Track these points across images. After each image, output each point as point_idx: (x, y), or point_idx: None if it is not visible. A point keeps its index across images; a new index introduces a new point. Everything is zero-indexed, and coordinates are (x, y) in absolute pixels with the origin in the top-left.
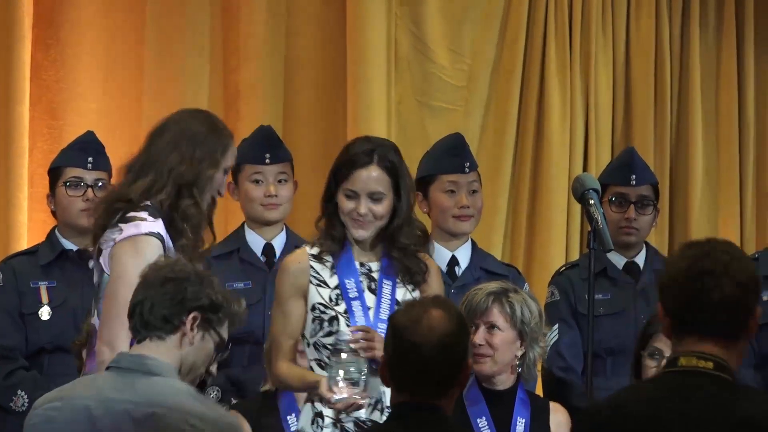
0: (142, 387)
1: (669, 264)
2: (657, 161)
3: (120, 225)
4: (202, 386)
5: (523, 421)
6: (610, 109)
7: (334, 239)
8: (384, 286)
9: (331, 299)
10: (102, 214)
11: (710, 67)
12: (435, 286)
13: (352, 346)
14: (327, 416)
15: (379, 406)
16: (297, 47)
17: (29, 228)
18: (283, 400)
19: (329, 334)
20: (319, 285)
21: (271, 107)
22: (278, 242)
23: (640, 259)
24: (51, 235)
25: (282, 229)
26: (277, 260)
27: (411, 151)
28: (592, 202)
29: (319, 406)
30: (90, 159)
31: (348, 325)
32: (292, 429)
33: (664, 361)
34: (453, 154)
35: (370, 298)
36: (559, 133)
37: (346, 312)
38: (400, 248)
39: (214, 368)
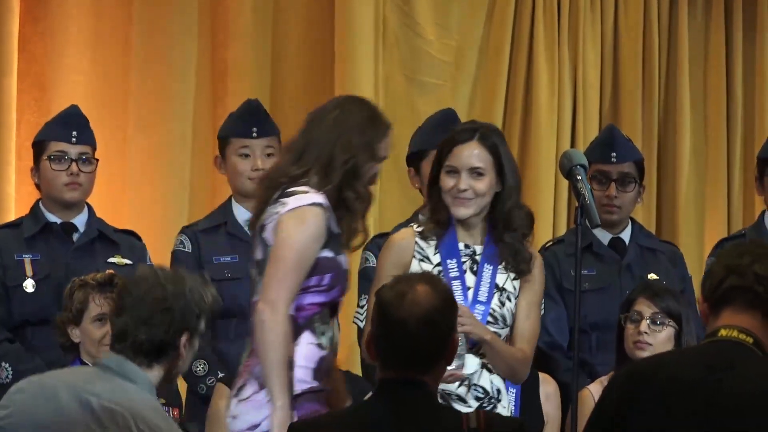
0: (112, 386)
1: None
2: (645, 138)
3: (282, 200)
4: None
5: (514, 391)
6: (598, 87)
7: (439, 223)
8: (485, 269)
9: None
10: (264, 191)
11: (698, 45)
12: (539, 278)
13: None
14: None
15: (466, 382)
16: (285, 24)
17: (16, 200)
18: None
19: None
20: (422, 260)
21: (259, 83)
22: None
23: (626, 235)
24: (35, 208)
25: None
26: None
27: (399, 127)
28: (579, 177)
29: None
30: (74, 133)
31: None
32: None
33: (643, 322)
34: (444, 129)
35: (470, 279)
36: (547, 110)
37: None
38: (513, 231)
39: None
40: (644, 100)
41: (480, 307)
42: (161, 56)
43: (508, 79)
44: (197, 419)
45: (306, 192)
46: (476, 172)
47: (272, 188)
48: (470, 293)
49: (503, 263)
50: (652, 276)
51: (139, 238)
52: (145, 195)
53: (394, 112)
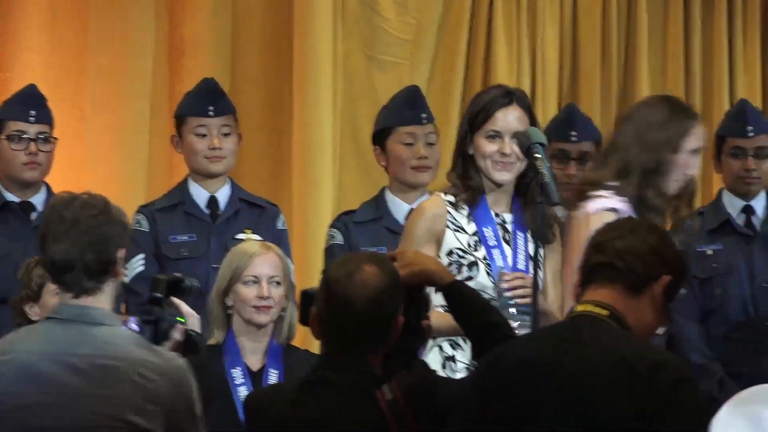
0: (88, 338)
1: None
2: (603, 117)
3: (581, 203)
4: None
5: None
6: (557, 65)
7: (473, 189)
8: (518, 237)
9: (469, 245)
10: (571, 199)
11: (657, 24)
12: (559, 246)
13: (509, 294)
14: (459, 361)
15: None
16: (244, 1)
17: None
18: (227, 354)
19: (468, 279)
20: (456, 230)
21: (218, 62)
22: (222, 195)
23: None
24: None
25: (226, 182)
26: (222, 212)
27: (358, 105)
28: (538, 155)
29: (449, 350)
30: (32, 112)
31: (488, 273)
32: (237, 383)
33: None
34: (409, 106)
35: (506, 249)
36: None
37: (485, 258)
38: (545, 195)
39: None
40: (603, 78)
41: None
42: (118, 35)
43: (467, 57)
44: None
45: (604, 197)
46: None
47: (578, 196)
48: (509, 261)
49: (529, 231)
50: None
51: None
52: (102, 174)
53: (353, 90)
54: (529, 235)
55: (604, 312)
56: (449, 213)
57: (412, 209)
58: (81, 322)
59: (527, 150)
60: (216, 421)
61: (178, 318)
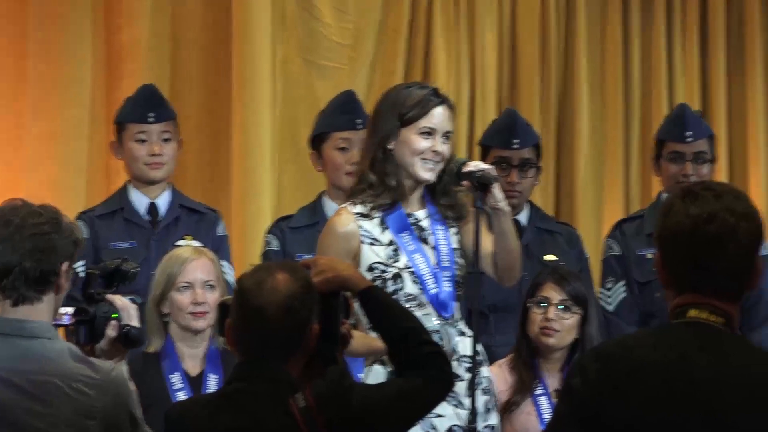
0: (24, 353)
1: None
2: (543, 119)
3: None
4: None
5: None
6: (496, 69)
7: (392, 189)
8: (437, 232)
9: (389, 256)
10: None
11: (595, 26)
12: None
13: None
14: None
15: (455, 357)
16: (183, 6)
17: None
18: (165, 361)
19: (394, 292)
20: (372, 243)
21: (157, 67)
22: (162, 201)
23: (523, 218)
24: None
25: (166, 188)
26: (162, 219)
27: (297, 110)
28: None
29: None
30: None
31: (414, 282)
32: (176, 388)
33: (551, 309)
34: (345, 111)
35: (426, 250)
36: (445, 91)
37: (406, 267)
38: (445, 193)
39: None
40: (542, 80)
41: (446, 273)
42: (56, 41)
43: (407, 61)
44: None
45: None
46: (446, 136)
47: None
48: (432, 262)
49: (447, 222)
50: (549, 256)
51: None
52: (40, 180)
53: (292, 95)
54: (448, 225)
55: (721, 320)
56: (360, 227)
57: None
58: (17, 336)
59: (458, 172)
60: (154, 427)
61: (112, 315)
